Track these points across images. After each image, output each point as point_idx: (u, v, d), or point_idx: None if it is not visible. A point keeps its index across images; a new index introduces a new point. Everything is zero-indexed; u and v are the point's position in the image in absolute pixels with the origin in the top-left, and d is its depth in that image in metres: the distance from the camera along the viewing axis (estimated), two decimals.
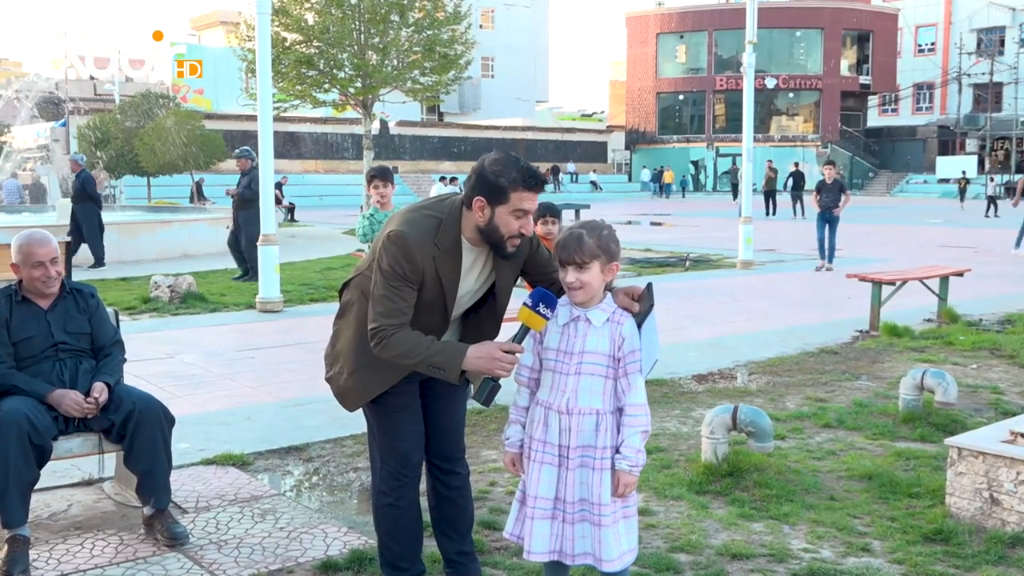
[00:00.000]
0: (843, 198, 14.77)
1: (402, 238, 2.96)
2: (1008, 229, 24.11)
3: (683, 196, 51.84)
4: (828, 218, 14.71)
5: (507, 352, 2.88)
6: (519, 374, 3.02)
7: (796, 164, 35.08)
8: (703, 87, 58.35)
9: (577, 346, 2.90)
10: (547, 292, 2.90)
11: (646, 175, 56.27)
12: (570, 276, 2.86)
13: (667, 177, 52.00)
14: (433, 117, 59.64)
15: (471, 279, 3.13)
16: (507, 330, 3.11)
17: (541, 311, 2.86)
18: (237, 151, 13.74)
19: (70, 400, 3.91)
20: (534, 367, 3.01)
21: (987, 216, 29.76)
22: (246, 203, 12.78)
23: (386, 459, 3.26)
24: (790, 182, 32.16)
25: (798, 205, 30.52)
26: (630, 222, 27.57)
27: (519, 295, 3.18)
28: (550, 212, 5.94)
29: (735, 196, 47.71)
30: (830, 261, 14.73)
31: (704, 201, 47.32)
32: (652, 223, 28.03)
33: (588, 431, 2.89)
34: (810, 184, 25.74)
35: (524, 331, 2.92)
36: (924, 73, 62.78)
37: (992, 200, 31.35)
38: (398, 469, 3.25)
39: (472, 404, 3.85)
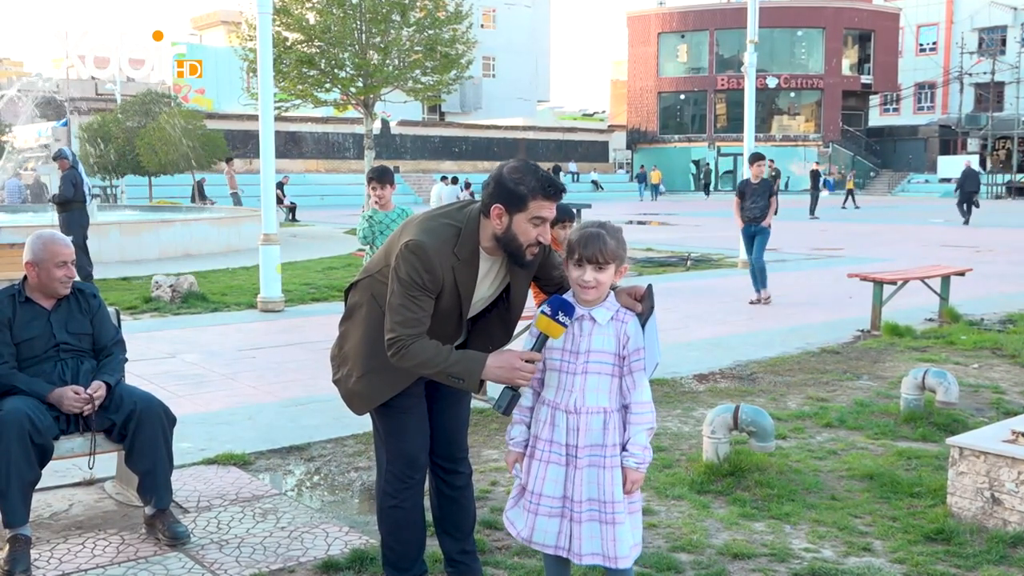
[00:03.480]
0: (772, 204, 10.85)
1: (422, 248, 2.93)
2: (1009, 228, 24.14)
3: (664, 194, 51.59)
4: (754, 231, 10.94)
5: (527, 361, 2.87)
6: None
7: (816, 164, 38.92)
8: (704, 87, 58.32)
9: (583, 345, 2.90)
10: (565, 300, 2.87)
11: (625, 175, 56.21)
12: (588, 275, 2.85)
13: (653, 177, 50.37)
14: (434, 117, 59.63)
15: (484, 286, 3.12)
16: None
17: (560, 319, 2.84)
18: (55, 152, 13.22)
19: (70, 395, 3.91)
20: (538, 366, 2.99)
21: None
22: (64, 205, 12.51)
23: (393, 461, 3.25)
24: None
25: (814, 204, 31.80)
26: (630, 222, 27.57)
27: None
28: (568, 216, 5.60)
29: (707, 194, 48.42)
30: (763, 286, 11.01)
31: (698, 201, 47.19)
32: (639, 223, 28.04)
33: (596, 430, 2.89)
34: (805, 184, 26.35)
35: (543, 340, 2.90)
36: (925, 72, 62.74)
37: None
38: (404, 471, 3.24)
39: (475, 404, 3.85)
